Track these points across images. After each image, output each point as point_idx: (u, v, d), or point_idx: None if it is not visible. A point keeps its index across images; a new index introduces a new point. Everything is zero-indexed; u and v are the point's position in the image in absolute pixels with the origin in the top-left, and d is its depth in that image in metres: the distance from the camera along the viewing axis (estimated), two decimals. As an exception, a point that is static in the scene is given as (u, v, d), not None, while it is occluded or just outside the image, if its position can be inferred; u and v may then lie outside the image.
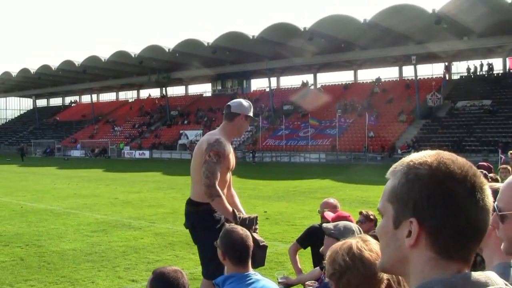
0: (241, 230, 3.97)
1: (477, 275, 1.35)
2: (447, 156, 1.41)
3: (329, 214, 5.69)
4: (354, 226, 4.21)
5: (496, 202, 1.92)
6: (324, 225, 4.37)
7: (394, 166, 1.48)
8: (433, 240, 1.36)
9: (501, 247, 2.00)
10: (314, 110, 65.89)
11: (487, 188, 1.41)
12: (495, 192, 1.89)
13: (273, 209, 18.58)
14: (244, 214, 5.72)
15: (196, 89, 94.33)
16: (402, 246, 1.40)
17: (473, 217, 1.36)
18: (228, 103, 6.01)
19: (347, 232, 4.05)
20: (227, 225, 4.40)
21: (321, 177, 33.56)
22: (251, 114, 5.99)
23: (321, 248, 4.33)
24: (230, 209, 5.52)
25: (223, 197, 5.55)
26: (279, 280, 5.85)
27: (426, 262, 1.38)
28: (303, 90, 74.88)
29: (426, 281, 1.35)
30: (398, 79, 73.58)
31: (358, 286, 2.41)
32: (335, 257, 2.45)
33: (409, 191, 1.38)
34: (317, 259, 6.30)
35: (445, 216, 1.35)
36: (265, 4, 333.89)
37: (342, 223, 4.31)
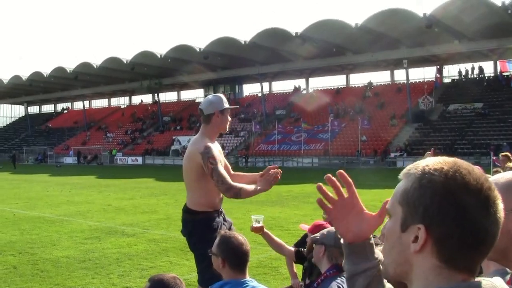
0: (240, 235, 3.98)
1: (483, 283, 1.34)
2: (464, 166, 1.40)
3: (304, 226, 5.68)
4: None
5: None
6: (312, 236, 4.40)
7: (408, 167, 1.47)
8: (439, 248, 1.36)
9: None
10: (306, 114, 66.07)
11: (500, 202, 1.39)
12: None
13: (266, 214, 18.45)
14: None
15: (188, 94, 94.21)
16: (407, 251, 1.40)
17: (483, 230, 1.35)
18: (199, 107, 5.89)
19: (330, 236, 4.11)
20: (223, 232, 4.40)
21: (314, 182, 33.04)
22: (225, 105, 5.83)
23: (313, 259, 4.35)
24: (254, 188, 5.55)
25: (242, 186, 5.56)
26: (254, 225, 5.70)
27: (430, 270, 1.37)
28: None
29: None
30: (390, 83, 73.74)
31: None
32: None
33: (420, 197, 1.37)
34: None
35: (454, 226, 1.34)
36: (257, 9, 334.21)
37: (326, 229, 4.35)
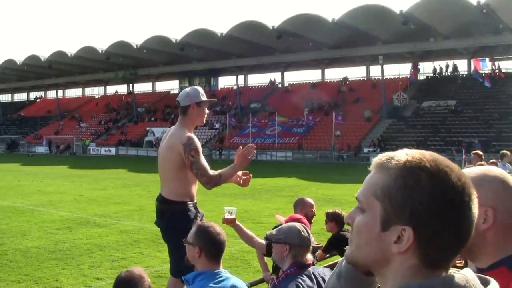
0: (217, 225, 3.96)
1: (456, 277, 1.33)
2: (445, 162, 1.37)
3: (280, 218, 5.67)
4: (298, 225, 4.20)
5: None
6: (268, 233, 4.37)
7: (382, 158, 1.42)
8: (423, 249, 1.33)
9: None
10: (281, 108, 66.22)
11: (476, 199, 1.39)
12: None
13: (239, 207, 18.42)
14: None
15: (163, 86, 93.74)
16: (387, 250, 1.36)
17: (466, 228, 1.35)
18: (177, 99, 5.91)
19: (292, 232, 4.05)
20: (200, 222, 4.37)
21: (288, 176, 33.64)
22: (202, 98, 5.85)
23: (272, 256, 4.32)
24: (230, 169, 5.69)
25: (220, 171, 5.66)
26: (226, 216, 5.68)
27: (409, 268, 1.35)
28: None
29: (403, 285, 1.33)
30: (365, 78, 74.10)
31: None
32: None
33: (407, 197, 1.32)
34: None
35: (442, 227, 1.32)
36: (235, 2, 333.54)
37: (285, 226, 4.31)
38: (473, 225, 1.36)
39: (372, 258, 1.40)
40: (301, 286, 3.81)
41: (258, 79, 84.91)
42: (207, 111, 5.96)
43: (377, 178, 1.39)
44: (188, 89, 6.02)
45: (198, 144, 5.66)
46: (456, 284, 1.30)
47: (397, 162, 1.37)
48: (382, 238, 1.36)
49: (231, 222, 5.59)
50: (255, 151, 5.80)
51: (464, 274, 1.34)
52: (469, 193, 1.35)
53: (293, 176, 33.18)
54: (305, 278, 3.91)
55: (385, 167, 1.38)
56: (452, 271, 1.37)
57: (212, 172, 5.56)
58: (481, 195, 1.77)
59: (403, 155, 1.38)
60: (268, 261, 6.29)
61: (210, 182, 5.52)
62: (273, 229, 4.58)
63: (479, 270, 1.89)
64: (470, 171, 1.98)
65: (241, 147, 5.79)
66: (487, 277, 1.44)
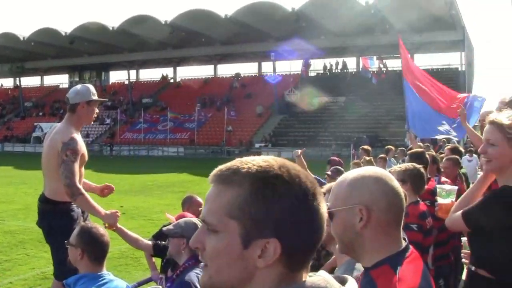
0: (100, 226, 3.82)
1: (316, 280, 1.32)
2: (292, 166, 1.34)
3: (170, 216, 5.54)
4: (194, 219, 4.23)
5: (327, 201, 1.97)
6: (164, 229, 4.31)
7: (223, 171, 1.33)
8: (289, 256, 1.29)
9: (336, 246, 2.08)
10: (173, 103, 65.91)
11: (322, 197, 1.38)
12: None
13: (129, 203, 18.25)
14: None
15: (52, 80, 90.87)
16: (252, 266, 1.29)
17: (321, 229, 1.34)
18: (66, 95, 5.68)
19: (189, 227, 4.02)
20: (83, 223, 4.18)
21: (179, 171, 33.56)
22: (93, 97, 5.65)
23: (169, 251, 4.24)
24: (96, 205, 5.29)
25: (86, 194, 5.32)
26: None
27: (276, 277, 1.30)
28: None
29: None
30: (257, 74, 74.80)
31: None
32: None
33: (268, 209, 1.27)
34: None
35: (302, 231, 1.29)
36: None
37: (181, 220, 4.27)
38: (324, 223, 1.35)
39: (237, 278, 1.32)
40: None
41: (150, 74, 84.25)
42: (96, 110, 5.75)
43: (229, 195, 1.30)
44: (79, 86, 5.78)
45: (79, 148, 5.40)
46: (318, 286, 1.29)
47: (246, 173, 1.30)
48: (245, 256, 1.29)
49: (112, 225, 5.35)
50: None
51: (323, 276, 1.35)
52: (319, 193, 1.35)
53: (185, 172, 33.13)
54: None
55: (234, 181, 1.30)
56: (310, 274, 1.37)
57: (78, 184, 5.27)
58: (357, 195, 1.95)
59: (250, 165, 1.31)
60: (156, 260, 6.16)
61: (71, 189, 5.20)
62: (162, 227, 4.50)
63: (365, 270, 1.98)
64: (349, 174, 2.04)
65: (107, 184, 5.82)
66: (345, 276, 1.45)
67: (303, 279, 1.33)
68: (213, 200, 1.32)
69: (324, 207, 1.35)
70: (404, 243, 1.99)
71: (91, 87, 5.78)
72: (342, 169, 7.89)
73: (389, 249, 1.94)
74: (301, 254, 1.32)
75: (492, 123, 3.21)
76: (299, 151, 8.63)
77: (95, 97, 5.70)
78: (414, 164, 5.22)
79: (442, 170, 7.71)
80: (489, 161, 3.25)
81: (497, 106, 6.09)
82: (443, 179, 7.04)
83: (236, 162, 1.33)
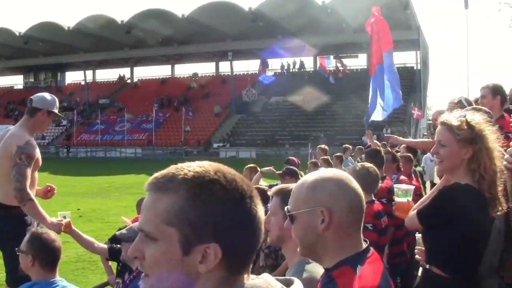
0: (51, 232, 3.74)
1: (257, 282, 1.34)
2: (228, 170, 1.35)
3: (126, 219, 5.47)
4: None
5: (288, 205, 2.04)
6: (118, 233, 4.25)
7: (158, 179, 1.33)
8: (230, 260, 1.30)
9: (297, 249, 2.08)
10: (130, 104, 65.49)
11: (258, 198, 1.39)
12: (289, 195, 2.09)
13: (87, 206, 18.06)
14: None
15: (6, 81, 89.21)
16: (193, 271, 1.29)
17: (260, 229, 1.36)
18: (31, 97, 5.62)
19: None
20: (34, 229, 4.09)
21: (137, 172, 33.28)
22: (55, 110, 5.61)
23: (122, 255, 4.18)
24: (44, 213, 5.18)
25: (36, 201, 5.20)
26: (59, 218, 5.29)
27: (216, 282, 1.31)
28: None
29: None
30: (214, 74, 74.68)
31: None
32: None
33: (207, 215, 1.27)
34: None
35: (242, 235, 1.31)
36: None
37: (134, 224, 4.22)
38: (262, 225, 1.37)
39: (179, 285, 1.31)
40: None
41: (107, 75, 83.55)
42: (51, 123, 5.70)
43: (165, 202, 1.30)
44: (47, 94, 5.73)
45: (34, 153, 5.31)
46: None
47: (182, 180, 1.30)
48: (185, 263, 1.29)
49: (66, 227, 5.22)
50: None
51: (265, 278, 1.37)
52: (256, 196, 1.37)
53: (143, 173, 32.77)
54: None
55: (170, 188, 1.30)
56: (252, 276, 1.38)
57: (28, 189, 5.15)
58: (318, 197, 1.97)
59: (185, 171, 1.31)
60: (113, 264, 6.08)
61: (20, 193, 5.09)
62: (117, 230, 4.42)
63: (326, 271, 2.00)
64: (309, 176, 2.06)
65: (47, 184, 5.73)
66: (292, 278, 1.47)
67: (244, 282, 1.34)
68: (149, 208, 1.32)
69: (261, 210, 1.36)
70: (365, 245, 2.01)
71: (57, 100, 5.75)
72: (294, 169, 7.89)
73: (350, 250, 1.96)
74: (241, 257, 1.32)
75: (443, 124, 3.27)
76: (267, 168, 8.56)
77: (56, 111, 5.66)
78: (364, 163, 5.28)
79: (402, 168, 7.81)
80: (441, 161, 3.32)
81: (447, 107, 6.20)
82: (402, 177, 7.11)
83: (171, 169, 1.33)
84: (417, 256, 3.65)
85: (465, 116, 3.19)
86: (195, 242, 1.27)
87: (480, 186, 3.12)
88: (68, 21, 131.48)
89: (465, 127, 3.14)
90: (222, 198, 1.28)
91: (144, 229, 1.31)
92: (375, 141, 10.37)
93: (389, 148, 11.34)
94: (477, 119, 3.20)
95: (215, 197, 1.28)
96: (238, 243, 1.30)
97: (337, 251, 1.96)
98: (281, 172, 7.86)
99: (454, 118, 3.21)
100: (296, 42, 57.33)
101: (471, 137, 3.13)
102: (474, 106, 5.19)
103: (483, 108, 4.89)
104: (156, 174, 1.33)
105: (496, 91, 6.02)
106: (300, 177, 7.83)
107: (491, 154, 3.12)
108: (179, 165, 1.34)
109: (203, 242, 1.27)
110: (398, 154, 8.87)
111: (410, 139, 6.87)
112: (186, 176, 1.29)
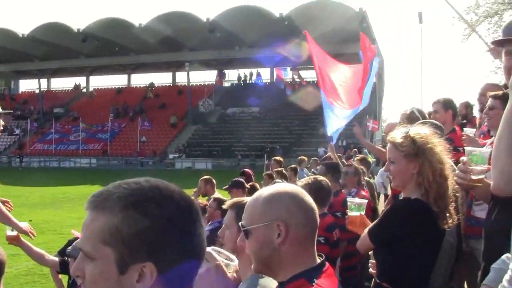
0: None
1: None
2: (166, 187, 1.34)
3: (76, 233, 5.36)
4: None
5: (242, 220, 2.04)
6: (68, 249, 4.16)
7: (96, 197, 1.33)
8: (166, 279, 1.28)
9: (252, 266, 2.08)
10: (85, 113, 64.79)
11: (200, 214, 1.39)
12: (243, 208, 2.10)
13: (39, 217, 17.69)
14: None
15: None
16: None
17: (199, 245, 1.36)
18: None
19: None
20: None
21: (92, 183, 32.83)
22: None
23: (70, 271, 4.09)
24: (9, 215, 5.05)
25: (2, 206, 5.05)
26: (8, 233, 5.12)
27: None
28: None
29: None
30: (171, 84, 74.39)
31: None
32: None
33: (141, 234, 1.26)
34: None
35: (180, 254, 1.30)
36: (37, 2, 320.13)
37: (78, 242, 4.12)
38: (204, 242, 1.37)
39: None
40: None
41: (62, 83, 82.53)
42: (2, 122, 5.51)
43: (101, 221, 1.29)
44: None
45: None
46: None
47: (117, 199, 1.29)
48: (122, 282, 1.29)
49: (15, 240, 5.08)
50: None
51: None
52: (196, 212, 1.36)
53: (97, 184, 32.29)
54: None
55: (106, 207, 1.29)
56: None
57: None
58: (274, 211, 1.96)
59: (121, 189, 1.31)
60: (63, 277, 5.96)
61: None
62: (66, 244, 4.33)
63: (280, 284, 1.98)
64: (265, 190, 2.06)
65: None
66: None
67: None
68: (87, 227, 1.31)
69: (200, 226, 1.36)
70: (320, 259, 2.01)
71: None
72: (240, 180, 7.91)
73: (306, 264, 1.96)
74: (180, 276, 1.31)
75: (389, 141, 3.34)
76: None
77: (0, 110, 5.46)
78: (317, 176, 5.29)
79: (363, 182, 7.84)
80: (394, 177, 3.37)
81: (399, 119, 6.29)
82: (362, 193, 7.08)
83: (109, 187, 1.32)
84: (370, 269, 3.65)
85: (408, 132, 3.24)
86: (131, 262, 1.26)
87: (428, 199, 3.15)
88: (23, 28, 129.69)
89: (408, 142, 3.19)
90: (156, 216, 1.27)
91: (83, 248, 1.30)
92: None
93: (344, 160, 11.40)
94: (422, 133, 3.25)
95: (148, 215, 1.26)
96: (174, 261, 1.29)
97: (293, 265, 1.95)
98: (227, 186, 7.85)
99: (398, 135, 3.27)
100: (253, 53, 57.57)
101: (414, 152, 3.18)
102: (424, 120, 5.26)
103: (434, 121, 4.97)
104: (94, 193, 1.33)
105: (447, 105, 6.14)
106: (249, 188, 7.84)
107: (435, 166, 3.15)
108: (118, 182, 1.33)
109: (139, 261, 1.26)
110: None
111: (368, 142, 6.98)
112: (120, 195, 1.28)
